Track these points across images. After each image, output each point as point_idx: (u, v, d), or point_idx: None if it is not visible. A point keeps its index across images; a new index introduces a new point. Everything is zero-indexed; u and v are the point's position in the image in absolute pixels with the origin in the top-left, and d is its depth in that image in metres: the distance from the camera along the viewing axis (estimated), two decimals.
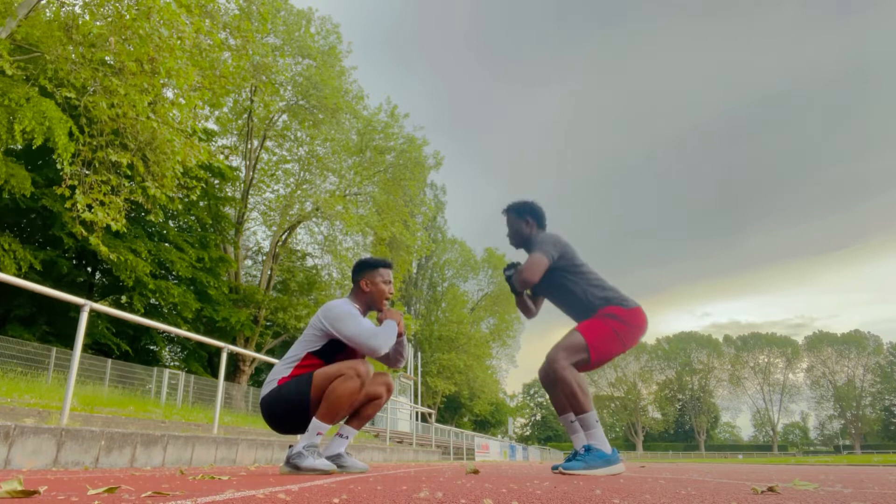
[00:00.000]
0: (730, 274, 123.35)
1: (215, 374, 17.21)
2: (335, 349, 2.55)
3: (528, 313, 3.15)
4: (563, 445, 65.39)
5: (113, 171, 8.80)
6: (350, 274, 2.89)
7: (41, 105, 7.94)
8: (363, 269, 2.73)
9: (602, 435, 2.67)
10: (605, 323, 2.79)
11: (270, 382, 2.54)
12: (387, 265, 2.75)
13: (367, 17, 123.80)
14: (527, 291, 3.07)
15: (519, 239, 3.14)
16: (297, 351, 2.57)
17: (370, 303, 2.73)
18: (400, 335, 2.65)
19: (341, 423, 2.71)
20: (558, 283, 2.95)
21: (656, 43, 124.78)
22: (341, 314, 2.51)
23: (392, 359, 2.74)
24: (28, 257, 11.63)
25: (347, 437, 2.68)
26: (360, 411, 2.68)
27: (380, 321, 2.62)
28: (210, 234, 17.82)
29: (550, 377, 2.76)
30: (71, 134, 8.20)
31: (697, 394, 75.39)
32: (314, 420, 2.42)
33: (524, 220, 3.11)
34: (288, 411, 2.46)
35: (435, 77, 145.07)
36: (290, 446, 2.45)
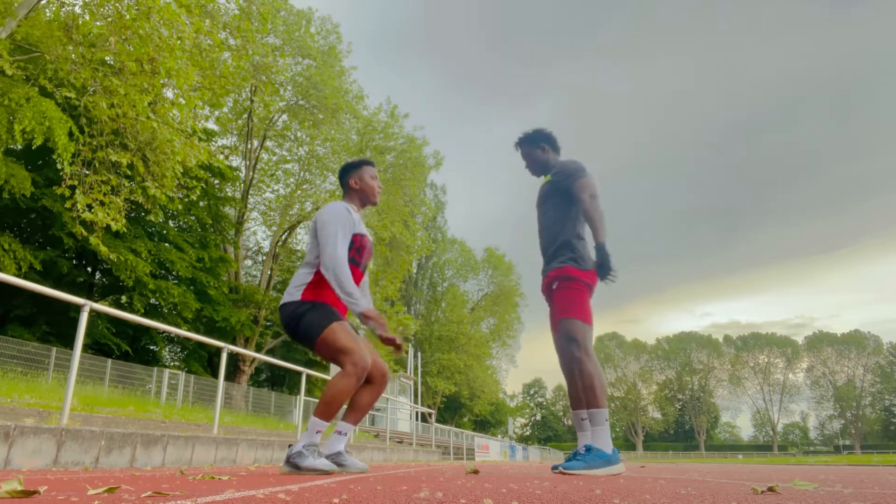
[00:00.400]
0: (730, 274, 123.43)
1: (215, 374, 17.20)
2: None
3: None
4: (563, 445, 65.40)
5: (113, 171, 8.80)
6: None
7: (41, 105, 7.95)
8: (349, 169, 2.85)
9: (607, 434, 2.69)
10: (581, 293, 2.87)
11: (296, 288, 2.57)
12: (370, 163, 2.89)
13: (367, 16, 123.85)
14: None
15: (537, 166, 3.19)
16: (312, 256, 2.62)
17: (363, 199, 2.84)
18: (368, 318, 2.44)
19: (339, 420, 2.72)
20: (562, 209, 2.99)
21: (656, 43, 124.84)
22: (329, 218, 2.57)
23: (337, 294, 2.62)
24: (28, 257, 11.63)
25: (346, 434, 2.68)
26: (356, 402, 2.68)
27: (367, 317, 2.46)
28: (210, 234, 17.82)
29: (572, 369, 2.80)
30: (71, 134, 8.20)
31: (697, 394, 75.40)
32: (312, 418, 2.43)
33: (539, 147, 3.17)
34: (300, 334, 2.53)
35: (435, 77, 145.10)
36: (290, 445, 2.45)
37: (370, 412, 18.58)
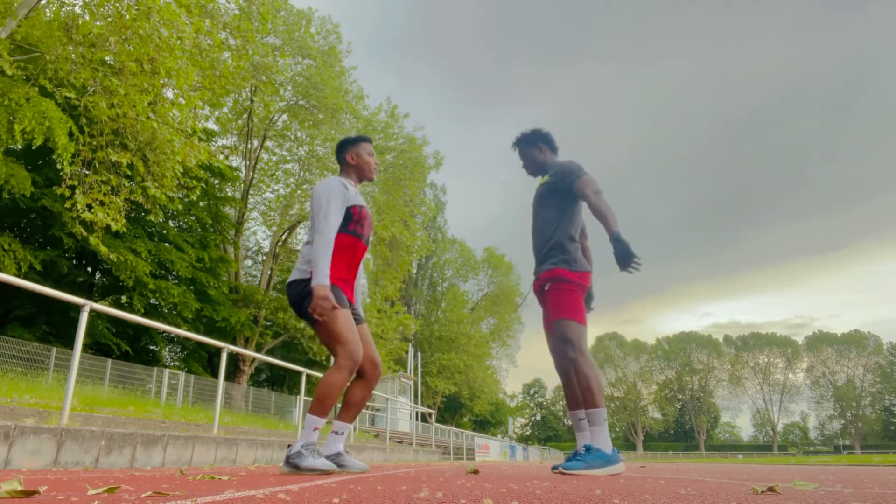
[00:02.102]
0: (730, 274, 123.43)
1: (215, 374, 17.20)
2: (345, 220, 2.63)
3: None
4: (563, 445, 65.40)
5: (113, 171, 8.80)
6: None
7: (41, 105, 7.94)
8: (346, 144, 2.87)
9: (606, 434, 2.68)
10: (575, 294, 2.87)
11: (305, 264, 2.59)
12: (367, 140, 2.91)
13: (367, 17, 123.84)
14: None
15: (534, 166, 3.18)
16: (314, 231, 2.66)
17: (359, 174, 2.86)
18: (314, 293, 2.44)
19: (334, 420, 2.72)
20: (558, 208, 2.98)
21: (657, 43, 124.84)
22: (322, 193, 2.59)
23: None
24: (28, 257, 11.63)
25: (343, 433, 2.69)
26: (350, 398, 2.68)
27: (315, 292, 2.43)
28: (210, 234, 17.82)
29: (568, 370, 2.79)
30: (71, 134, 8.20)
31: (697, 394, 75.40)
32: (308, 416, 2.44)
33: (536, 147, 3.16)
34: (304, 311, 2.54)
35: (435, 77, 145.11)
36: (289, 446, 2.45)
37: (370, 412, 18.60)
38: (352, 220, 2.66)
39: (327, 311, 2.41)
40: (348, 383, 2.52)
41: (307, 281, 2.54)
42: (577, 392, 2.80)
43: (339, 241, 2.61)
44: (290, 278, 2.65)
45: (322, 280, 2.42)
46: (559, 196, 3.00)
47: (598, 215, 2.83)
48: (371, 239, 2.75)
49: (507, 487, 1.70)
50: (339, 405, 2.73)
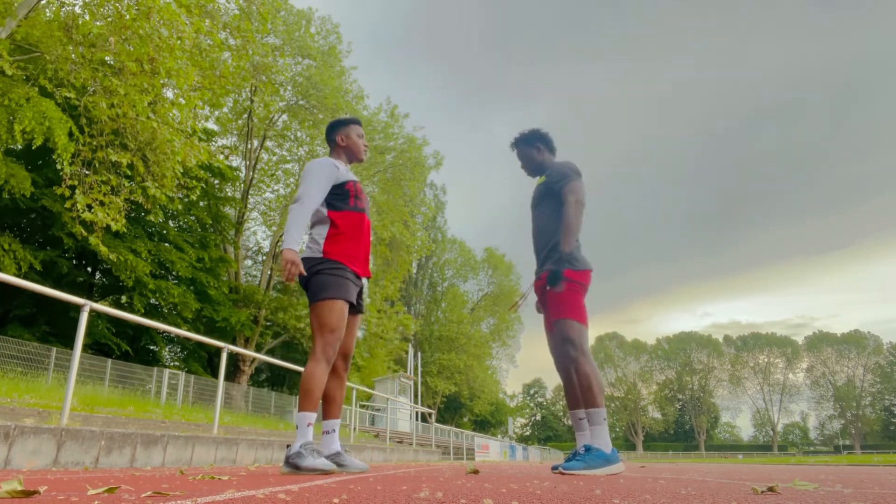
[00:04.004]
0: (730, 274, 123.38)
1: (215, 374, 17.20)
2: (339, 196, 2.69)
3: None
4: (563, 445, 65.39)
5: (113, 171, 8.80)
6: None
7: (41, 105, 7.94)
8: (337, 126, 2.92)
9: (606, 434, 2.68)
10: (578, 294, 2.87)
11: (315, 244, 2.64)
12: (357, 122, 2.96)
13: (367, 16, 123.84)
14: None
15: (532, 166, 3.20)
16: (318, 217, 2.70)
17: (349, 155, 2.91)
18: (283, 256, 2.58)
19: (322, 421, 2.75)
20: (555, 214, 2.98)
21: (656, 43, 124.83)
22: (310, 170, 2.65)
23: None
24: (28, 257, 11.63)
25: (334, 430, 2.71)
26: (328, 395, 2.72)
27: (283, 255, 2.56)
28: (210, 234, 17.82)
29: (569, 370, 2.80)
30: (71, 134, 8.20)
31: (697, 394, 75.39)
32: (299, 414, 2.46)
33: (534, 147, 3.18)
34: (309, 288, 2.60)
35: (435, 76, 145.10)
36: (289, 446, 2.45)
37: (370, 412, 18.57)
38: (349, 195, 2.72)
39: (294, 275, 2.49)
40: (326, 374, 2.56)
41: (317, 260, 2.59)
42: (578, 391, 2.80)
43: (344, 219, 2.67)
44: (302, 255, 2.68)
45: (291, 245, 2.49)
46: (557, 197, 3.01)
47: (563, 222, 2.86)
48: (372, 218, 2.82)
49: (507, 487, 1.70)
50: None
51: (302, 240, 2.54)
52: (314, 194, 2.61)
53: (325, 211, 2.68)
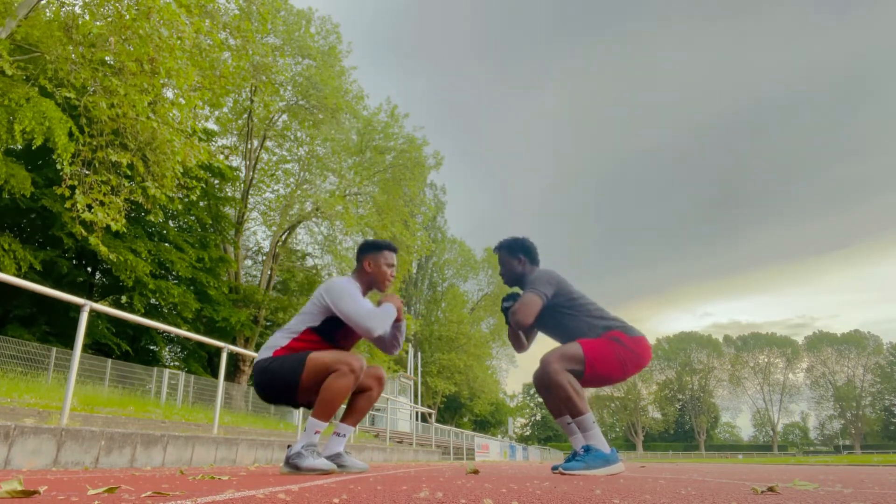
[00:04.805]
0: (730, 274, 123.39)
1: (215, 374, 17.19)
2: (334, 327, 2.56)
3: (520, 348, 3.14)
4: (563, 445, 65.36)
5: (113, 171, 8.80)
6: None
7: (41, 105, 7.94)
8: (368, 249, 2.77)
9: (600, 435, 2.67)
10: (609, 344, 2.73)
11: (267, 350, 2.53)
12: (392, 248, 2.80)
13: (367, 16, 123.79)
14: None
15: (512, 277, 3.11)
16: (297, 324, 2.58)
17: (371, 283, 2.76)
18: (398, 320, 2.67)
19: (337, 421, 2.73)
20: (556, 320, 2.92)
21: (655, 43, 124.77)
22: (342, 291, 2.52)
23: (388, 343, 2.79)
24: (28, 257, 11.62)
25: (345, 435, 2.69)
26: (353, 405, 2.70)
27: (380, 303, 2.63)
28: (210, 234, 17.81)
29: (545, 382, 2.73)
30: (71, 134, 8.20)
31: (697, 394, 75.37)
32: (310, 419, 2.43)
33: (516, 258, 3.07)
34: (276, 386, 2.45)
35: (435, 76, 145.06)
36: (289, 446, 2.45)
37: (370, 412, 18.56)
38: (340, 328, 2.58)
39: (398, 302, 2.63)
40: (353, 389, 2.51)
41: (269, 359, 2.49)
42: (557, 402, 2.78)
43: (317, 346, 2.55)
44: (257, 358, 2.58)
45: (393, 313, 2.60)
46: (551, 311, 2.92)
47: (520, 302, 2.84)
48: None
49: (507, 487, 1.70)
50: (344, 406, 2.74)
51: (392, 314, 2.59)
52: (363, 306, 2.50)
53: (302, 328, 2.56)
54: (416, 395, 26.97)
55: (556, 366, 2.66)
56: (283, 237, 19.91)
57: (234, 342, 17.05)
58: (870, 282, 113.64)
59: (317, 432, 2.42)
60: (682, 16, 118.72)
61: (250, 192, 19.52)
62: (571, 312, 2.87)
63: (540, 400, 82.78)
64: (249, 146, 19.23)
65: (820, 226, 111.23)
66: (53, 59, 8.25)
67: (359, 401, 2.70)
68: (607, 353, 2.71)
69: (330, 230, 20.34)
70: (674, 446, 72.27)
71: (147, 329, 15.84)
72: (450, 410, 43.20)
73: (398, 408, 20.28)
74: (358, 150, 19.73)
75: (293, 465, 2.38)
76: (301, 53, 17.80)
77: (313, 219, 19.71)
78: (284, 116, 19.18)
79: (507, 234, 3.17)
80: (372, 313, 2.49)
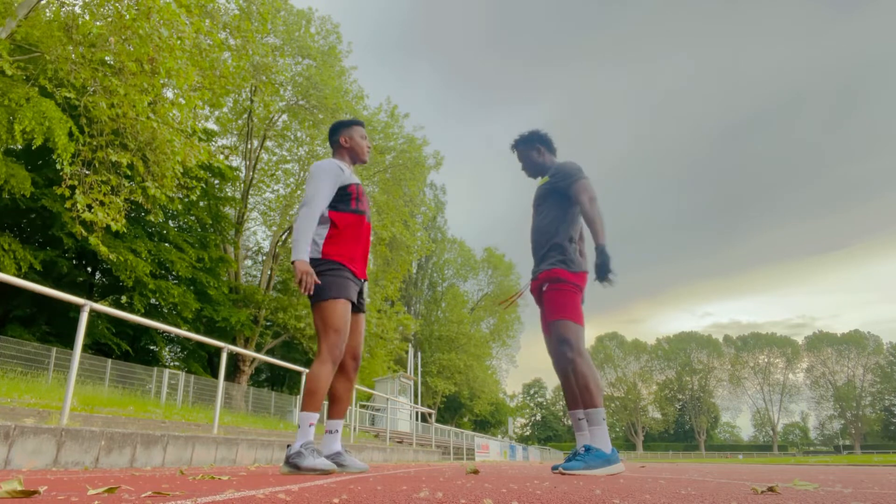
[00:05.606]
0: (730, 274, 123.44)
1: (215, 374, 17.21)
2: (337, 199, 2.68)
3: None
4: (563, 445, 65.39)
5: (113, 171, 8.80)
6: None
7: (41, 105, 7.94)
8: (339, 127, 2.91)
9: (605, 434, 2.68)
10: (568, 292, 2.87)
11: (313, 249, 2.61)
12: (360, 123, 2.94)
13: (367, 16, 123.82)
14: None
15: (533, 167, 3.20)
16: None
17: (352, 156, 2.90)
18: (295, 266, 2.56)
19: (325, 420, 2.74)
20: (556, 214, 2.99)
21: (657, 43, 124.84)
22: (315, 172, 2.65)
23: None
24: (28, 257, 11.63)
25: (337, 430, 2.71)
26: (333, 394, 2.72)
27: (296, 265, 2.55)
28: (210, 234, 17.81)
29: (566, 370, 2.79)
30: (71, 134, 8.20)
31: (697, 394, 75.37)
32: (302, 414, 2.46)
33: (535, 148, 3.17)
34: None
35: (435, 76, 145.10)
36: (289, 446, 2.45)
37: (370, 412, 18.54)
38: (351, 197, 2.71)
39: (310, 285, 2.48)
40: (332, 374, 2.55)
41: (318, 261, 2.58)
42: (576, 392, 2.80)
43: (344, 220, 2.66)
44: (308, 256, 2.67)
45: (301, 256, 2.49)
46: (558, 197, 3.01)
47: (588, 222, 2.86)
48: (372, 219, 2.82)
49: (507, 487, 1.70)
50: (326, 403, 2.75)
51: (306, 248, 2.53)
52: (322, 198, 2.60)
53: (326, 212, 2.68)
54: (416, 395, 26.96)
55: (578, 357, 2.75)
56: (283, 237, 19.92)
57: (234, 342, 17.05)
58: (870, 282, 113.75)
59: (311, 425, 2.45)
60: (682, 16, 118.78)
61: (250, 192, 19.53)
62: (569, 217, 2.98)
63: (540, 400, 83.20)
64: (249, 146, 19.24)
65: (820, 226, 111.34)
66: (53, 59, 8.25)
67: (337, 388, 2.71)
68: (575, 300, 2.87)
69: None
70: (674, 446, 72.27)
71: (147, 329, 15.85)
72: (450, 410, 43.21)
73: (398, 408, 20.27)
74: None
75: (293, 465, 2.38)
76: (301, 53, 17.80)
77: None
78: (284, 116, 19.18)
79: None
80: (309, 212, 2.56)
